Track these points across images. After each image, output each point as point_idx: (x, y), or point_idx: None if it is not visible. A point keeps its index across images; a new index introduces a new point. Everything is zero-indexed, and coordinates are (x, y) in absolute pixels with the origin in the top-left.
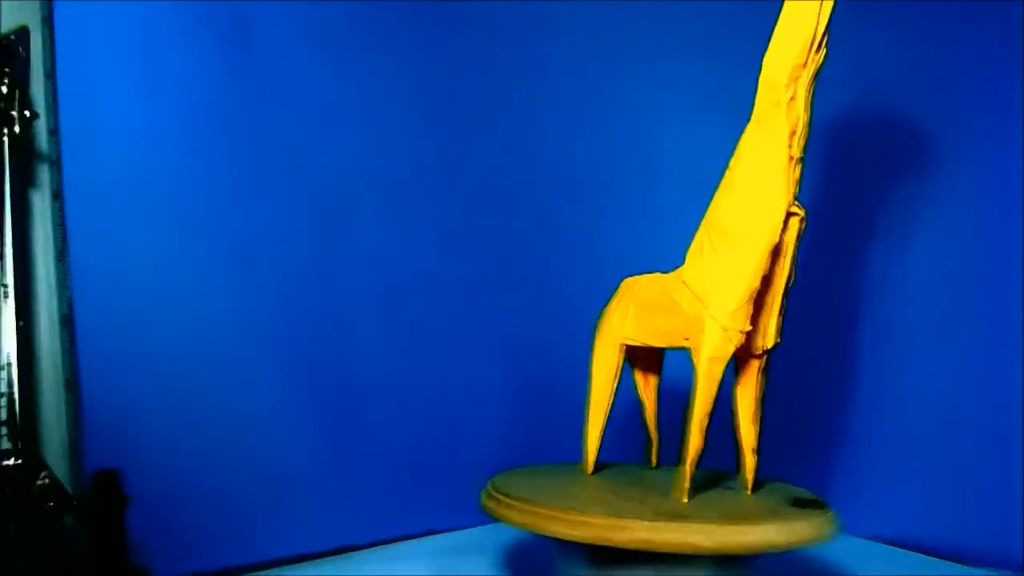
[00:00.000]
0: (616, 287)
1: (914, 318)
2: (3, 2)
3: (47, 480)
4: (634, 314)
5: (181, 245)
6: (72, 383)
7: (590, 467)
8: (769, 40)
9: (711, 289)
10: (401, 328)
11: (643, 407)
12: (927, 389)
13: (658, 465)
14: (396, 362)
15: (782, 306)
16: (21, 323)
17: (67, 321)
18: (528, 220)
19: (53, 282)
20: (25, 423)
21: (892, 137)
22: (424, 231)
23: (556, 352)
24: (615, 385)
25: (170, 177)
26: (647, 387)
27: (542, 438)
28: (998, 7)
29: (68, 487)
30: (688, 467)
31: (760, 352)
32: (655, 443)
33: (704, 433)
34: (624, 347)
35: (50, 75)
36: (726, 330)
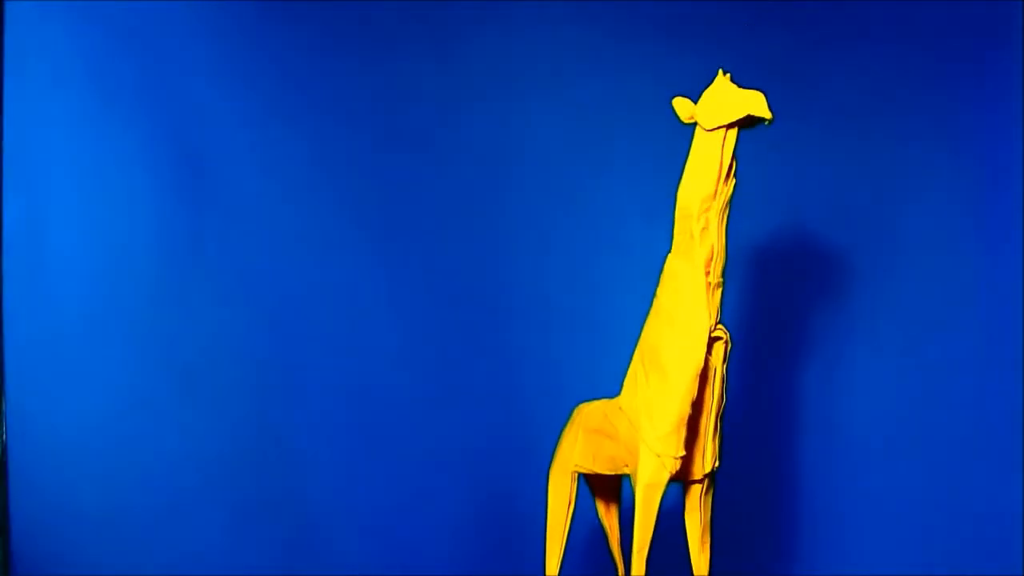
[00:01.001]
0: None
1: (858, 427)
2: None
3: None
4: (583, 441)
5: (128, 373)
6: (3, 527)
7: None
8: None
9: (644, 415)
10: (357, 449)
11: (606, 534)
12: (876, 485)
13: None
14: (351, 486)
15: (717, 429)
16: None
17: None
18: (489, 335)
19: None
20: None
21: (821, 253)
22: (383, 350)
23: (520, 469)
24: (570, 512)
25: (120, 308)
26: (608, 513)
27: (505, 554)
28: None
29: None
30: None
31: (700, 477)
32: (620, 570)
33: (645, 561)
34: (576, 474)
35: None
36: (659, 456)
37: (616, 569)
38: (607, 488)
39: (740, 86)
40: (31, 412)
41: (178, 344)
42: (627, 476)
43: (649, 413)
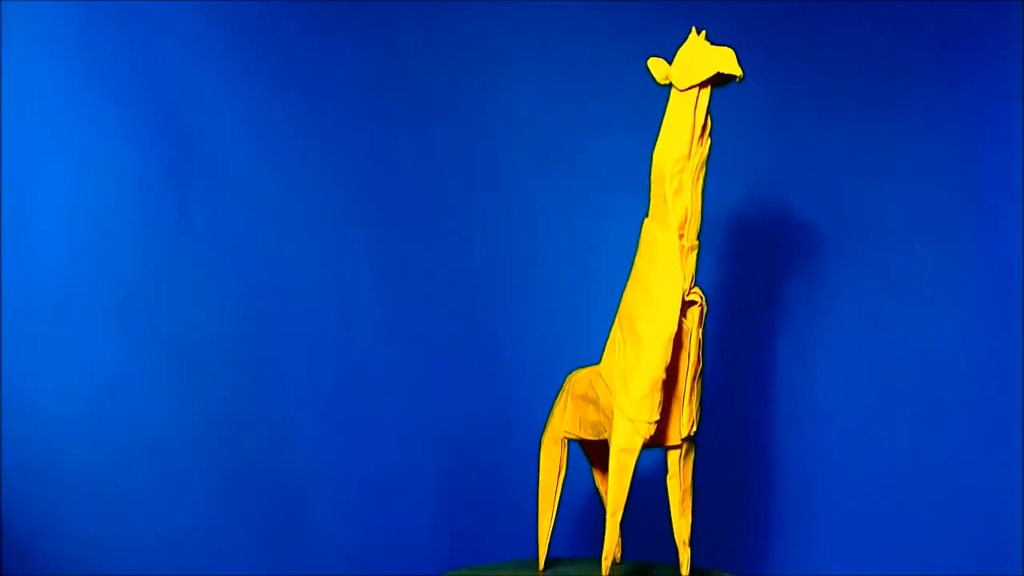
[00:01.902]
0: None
1: (834, 391)
2: None
3: None
4: (571, 408)
5: (115, 348)
6: None
7: (541, 563)
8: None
9: (618, 381)
10: (344, 425)
11: (603, 501)
12: (851, 457)
13: (621, 560)
14: (337, 462)
15: (694, 393)
16: None
17: None
18: (474, 307)
19: None
20: None
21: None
22: (369, 326)
23: (507, 444)
24: (560, 478)
25: (105, 278)
26: (605, 481)
27: (495, 532)
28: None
29: None
30: (606, 561)
31: (677, 442)
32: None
33: (619, 526)
34: (565, 441)
35: None
36: (632, 421)
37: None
38: (603, 456)
39: (715, 44)
40: (15, 386)
41: (164, 320)
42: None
43: (623, 378)
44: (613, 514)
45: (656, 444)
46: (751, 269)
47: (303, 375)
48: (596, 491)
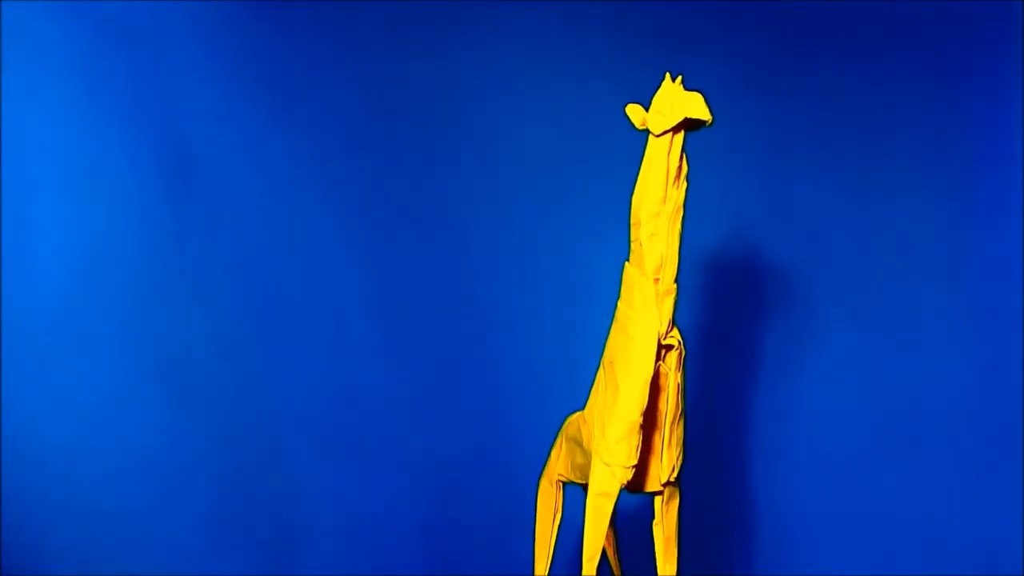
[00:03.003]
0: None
1: (808, 440)
2: None
3: None
4: (565, 449)
5: (112, 369)
6: None
7: None
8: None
9: (597, 424)
10: (337, 450)
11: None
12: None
13: None
14: (331, 486)
15: (674, 437)
16: None
17: None
18: (472, 337)
19: None
20: None
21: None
22: (364, 352)
23: (503, 476)
24: (556, 521)
25: (104, 298)
26: None
27: (489, 567)
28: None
29: None
30: None
31: (658, 488)
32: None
33: (595, 569)
34: (560, 483)
35: None
36: (609, 465)
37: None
38: None
39: (691, 89)
40: (14, 406)
41: (161, 339)
42: None
43: (602, 422)
44: (590, 559)
45: (637, 490)
46: (729, 310)
47: (299, 398)
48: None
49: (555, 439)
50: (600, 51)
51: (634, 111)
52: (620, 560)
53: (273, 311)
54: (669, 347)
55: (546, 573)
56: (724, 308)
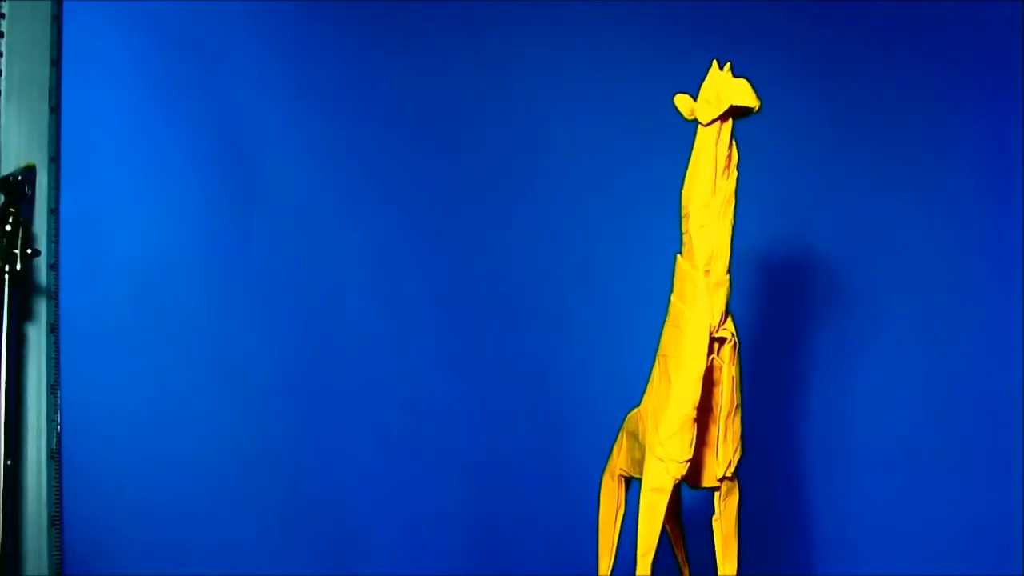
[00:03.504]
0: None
1: (863, 433)
2: (10, 142)
3: None
4: (625, 446)
5: (176, 376)
6: (56, 519)
7: None
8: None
9: (651, 419)
10: (397, 454)
11: (668, 536)
12: (888, 501)
13: None
14: (390, 491)
15: (729, 432)
16: (8, 462)
17: (54, 456)
18: (529, 345)
19: (43, 416)
20: (5, 560)
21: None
22: (424, 355)
23: (563, 479)
24: (619, 516)
25: (168, 309)
26: (670, 516)
27: (552, 568)
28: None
29: None
30: None
31: (716, 484)
32: (685, 573)
33: (649, 566)
34: (622, 478)
35: (53, 211)
36: (662, 460)
37: (680, 572)
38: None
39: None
40: (79, 411)
41: (226, 344)
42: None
43: (655, 417)
44: (644, 555)
45: (693, 485)
46: (784, 306)
47: (357, 404)
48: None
49: (617, 435)
50: (648, 43)
51: (682, 101)
52: (688, 557)
53: (335, 315)
54: (722, 340)
55: (610, 569)
56: (778, 303)
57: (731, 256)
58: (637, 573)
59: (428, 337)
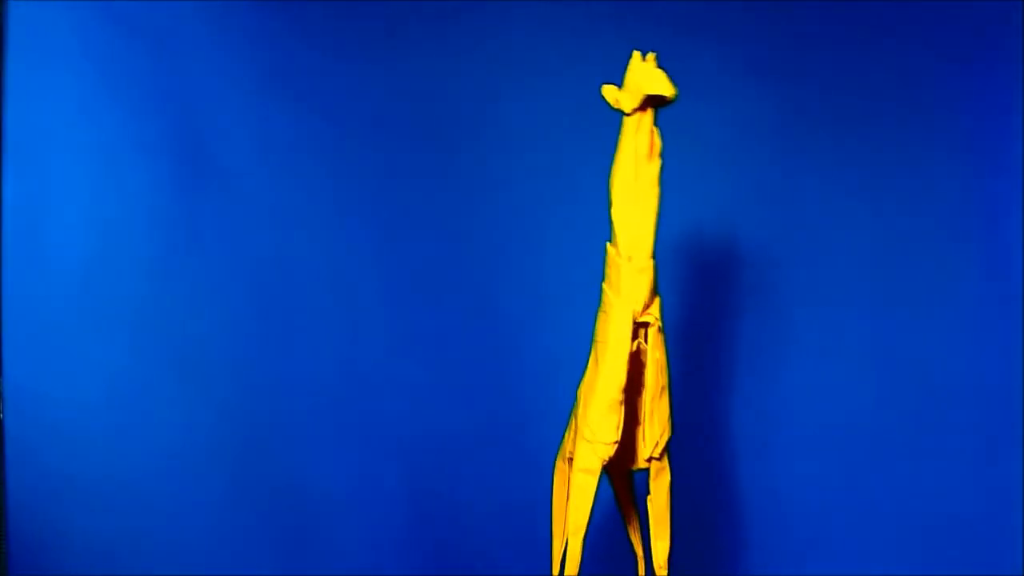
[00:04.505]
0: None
1: (794, 421)
2: None
3: None
4: (572, 428)
5: (125, 357)
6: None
7: None
8: None
9: (581, 402)
10: (352, 433)
11: (623, 520)
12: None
13: None
14: (346, 470)
15: (655, 414)
16: None
17: None
18: (487, 324)
19: None
20: None
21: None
22: (381, 342)
23: (519, 458)
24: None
25: (116, 286)
26: (624, 500)
27: (506, 548)
28: None
29: None
30: None
31: (643, 465)
32: (639, 555)
33: (580, 545)
34: (571, 461)
35: None
36: (590, 442)
37: (634, 554)
38: (621, 474)
39: (663, 68)
40: (23, 394)
41: (173, 328)
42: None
43: (585, 400)
44: (574, 534)
45: (625, 466)
46: (715, 295)
47: (312, 384)
48: (616, 510)
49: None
50: (611, 42)
51: (608, 91)
52: (643, 538)
53: (286, 300)
54: (646, 324)
55: (563, 550)
56: (709, 292)
57: (656, 242)
58: (569, 552)
59: (380, 323)
